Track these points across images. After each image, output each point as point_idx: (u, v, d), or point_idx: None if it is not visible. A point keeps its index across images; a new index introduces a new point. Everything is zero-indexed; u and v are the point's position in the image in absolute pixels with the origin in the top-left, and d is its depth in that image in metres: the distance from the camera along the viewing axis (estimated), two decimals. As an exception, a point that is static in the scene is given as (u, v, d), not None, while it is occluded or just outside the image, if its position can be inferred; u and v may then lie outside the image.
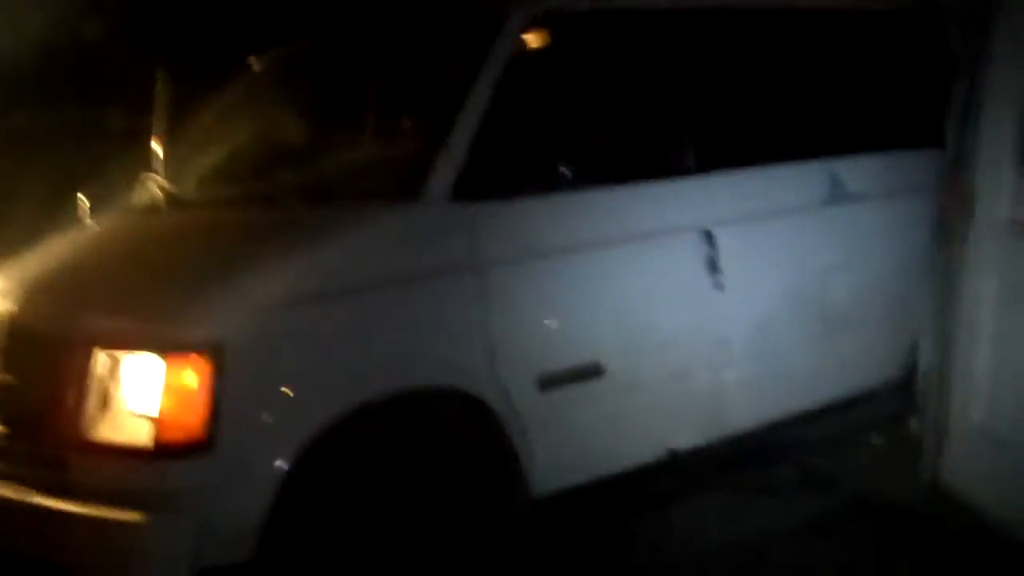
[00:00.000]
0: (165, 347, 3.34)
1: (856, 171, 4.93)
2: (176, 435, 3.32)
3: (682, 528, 4.67)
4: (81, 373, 3.42)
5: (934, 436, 4.96)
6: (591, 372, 4.13)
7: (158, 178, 4.68)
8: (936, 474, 4.94)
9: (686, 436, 4.50)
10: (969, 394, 4.77)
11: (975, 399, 4.73)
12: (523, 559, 4.07)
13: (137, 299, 3.61)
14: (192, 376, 3.31)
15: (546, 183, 3.98)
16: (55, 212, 5.12)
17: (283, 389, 3.42)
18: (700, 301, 4.42)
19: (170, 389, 3.32)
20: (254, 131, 4.93)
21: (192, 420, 3.30)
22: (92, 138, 7.96)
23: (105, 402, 3.40)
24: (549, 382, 4.00)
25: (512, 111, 3.96)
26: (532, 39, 4.12)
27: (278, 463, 3.37)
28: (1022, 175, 4.52)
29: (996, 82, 4.57)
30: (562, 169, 3.97)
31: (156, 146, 4.90)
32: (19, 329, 3.75)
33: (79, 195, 5.01)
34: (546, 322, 4.03)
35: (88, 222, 4.83)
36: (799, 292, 4.76)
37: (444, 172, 3.81)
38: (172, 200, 4.49)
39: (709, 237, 4.38)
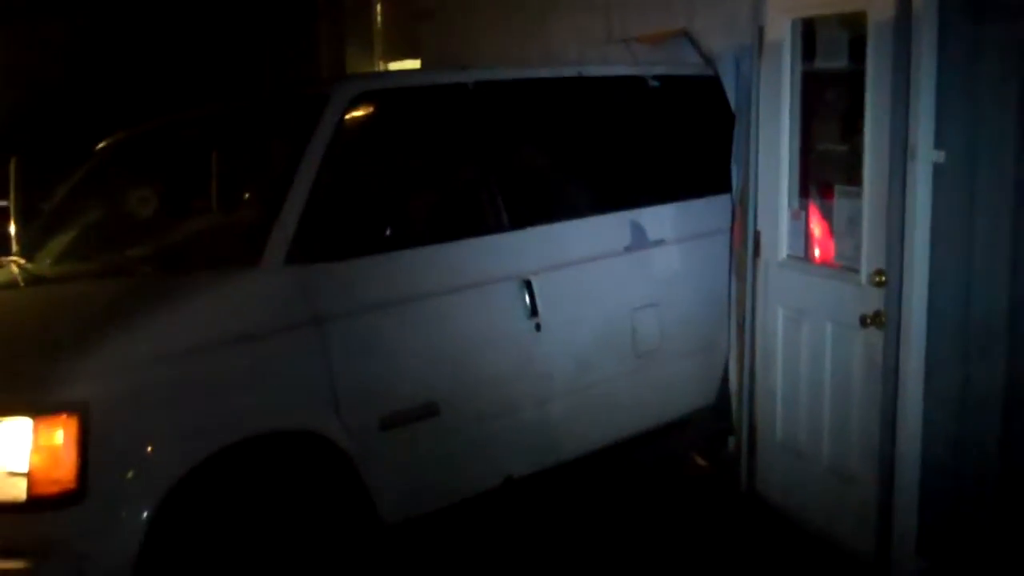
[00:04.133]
0: (34, 410, 3.64)
1: (656, 219, 5.42)
2: (49, 488, 3.62)
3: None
4: None
5: (746, 452, 5.52)
6: (427, 411, 4.51)
7: (17, 259, 4.94)
8: (751, 485, 5.50)
9: (520, 464, 4.91)
10: (771, 413, 5.33)
11: (776, 417, 5.30)
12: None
13: (7, 369, 3.90)
14: (60, 434, 3.61)
15: (375, 243, 4.37)
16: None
17: (146, 440, 3.75)
18: (522, 342, 4.84)
19: (41, 447, 3.62)
20: (106, 209, 5.25)
21: (63, 474, 3.61)
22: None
23: None
24: (390, 422, 4.38)
25: (339, 180, 4.36)
26: (353, 116, 4.52)
27: (146, 507, 3.68)
28: (795, 216, 5.12)
29: (766, 136, 5.18)
30: (389, 230, 4.39)
31: (13, 228, 5.12)
32: None
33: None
34: (383, 368, 4.42)
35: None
36: (611, 329, 5.21)
37: (279, 239, 4.18)
38: (31, 278, 4.76)
39: (527, 284, 4.83)
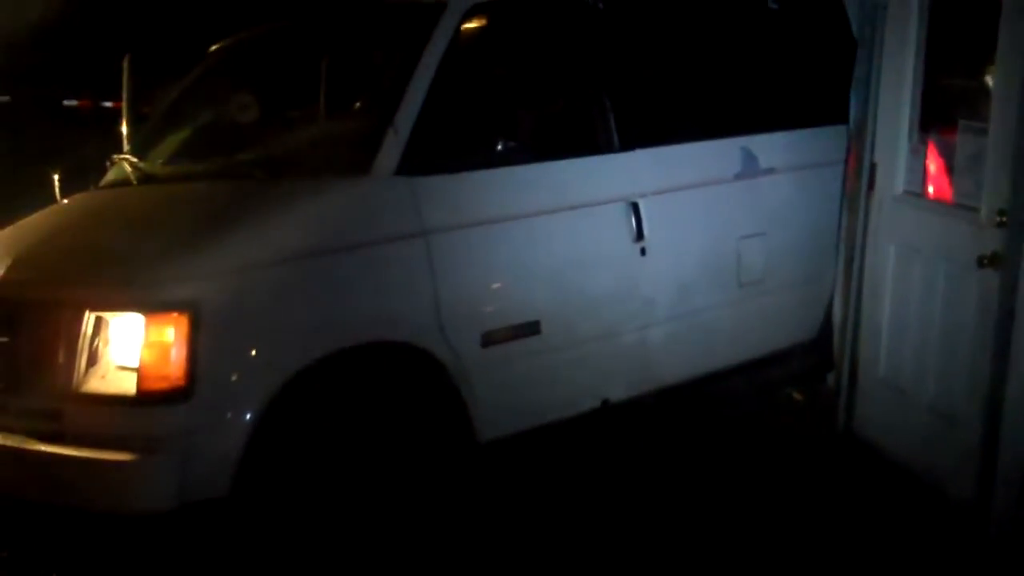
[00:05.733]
0: (147, 307, 3.72)
1: (769, 147, 5.29)
2: (158, 385, 3.70)
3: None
4: (72, 333, 3.80)
5: (846, 389, 5.44)
6: (529, 330, 4.49)
7: (130, 156, 4.98)
8: (849, 423, 5.43)
9: (617, 388, 4.89)
10: (875, 350, 5.23)
11: (880, 354, 5.20)
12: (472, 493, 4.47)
13: (121, 265, 3.97)
14: (171, 332, 3.68)
15: (485, 158, 4.35)
16: (28, 190, 5.35)
17: (254, 343, 3.80)
18: (627, 265, 4.79)
19: (152, 344, 3.70)
20: (217, 112, 5.25)
21: (172, 371, 3.68)
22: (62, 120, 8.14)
23: (94, 358, 3.79)
24: (491, 339, 4.38)
25: (453, 92, 4.31)
26: (470, 26, 4.46)
27: (250, 409, 3.75)
28: (914, 151, 4.98)
29: (890, 67, 5.02)
30: (500, 145, 4.35)
31: (125, 128, 5.17)
32: (12, 296, 4.05)
33: (53, 174, 5.27)
34: (487, 284, 4.42)
35: (63, 198, 5.12)
36: (716, 257, 5.13)
37: (391, 149, 4.18)
38: (143, 176, 4.82)
39: (634, 207, 4.77)
